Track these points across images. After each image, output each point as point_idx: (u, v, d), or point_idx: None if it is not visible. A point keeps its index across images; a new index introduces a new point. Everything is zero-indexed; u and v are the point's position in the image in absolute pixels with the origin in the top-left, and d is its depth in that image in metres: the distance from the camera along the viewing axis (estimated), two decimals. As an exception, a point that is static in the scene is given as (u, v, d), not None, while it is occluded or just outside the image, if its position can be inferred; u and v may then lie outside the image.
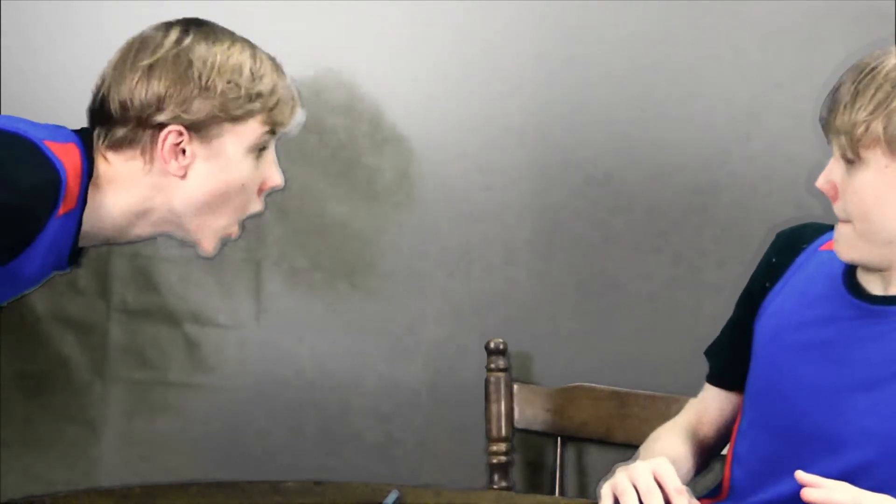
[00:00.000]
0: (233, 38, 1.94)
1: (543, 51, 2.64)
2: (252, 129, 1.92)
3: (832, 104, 1.80)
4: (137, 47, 1.91)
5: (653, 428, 2.58)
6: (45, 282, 2.02)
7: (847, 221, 1.83)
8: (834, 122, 1.79)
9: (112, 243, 1.99)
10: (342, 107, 2.70)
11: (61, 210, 1.84)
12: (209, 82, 1.88)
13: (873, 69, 1.77)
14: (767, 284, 2.00)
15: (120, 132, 1.90)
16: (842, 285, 1.90)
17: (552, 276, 2.68)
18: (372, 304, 2.74)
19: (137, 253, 2.79)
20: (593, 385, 2.63)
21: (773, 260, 2.01)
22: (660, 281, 2.64)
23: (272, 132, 1.95)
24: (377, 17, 2.67)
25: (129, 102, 1.88)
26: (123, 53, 1.92)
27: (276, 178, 1.99)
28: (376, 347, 2.75)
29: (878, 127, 1.75)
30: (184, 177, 1.91)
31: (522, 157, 2.66)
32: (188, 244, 1.98)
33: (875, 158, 1.77)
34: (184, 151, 1.90)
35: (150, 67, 1.88)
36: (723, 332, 2.13)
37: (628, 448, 2.62)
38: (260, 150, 1.95)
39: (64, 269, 1.97)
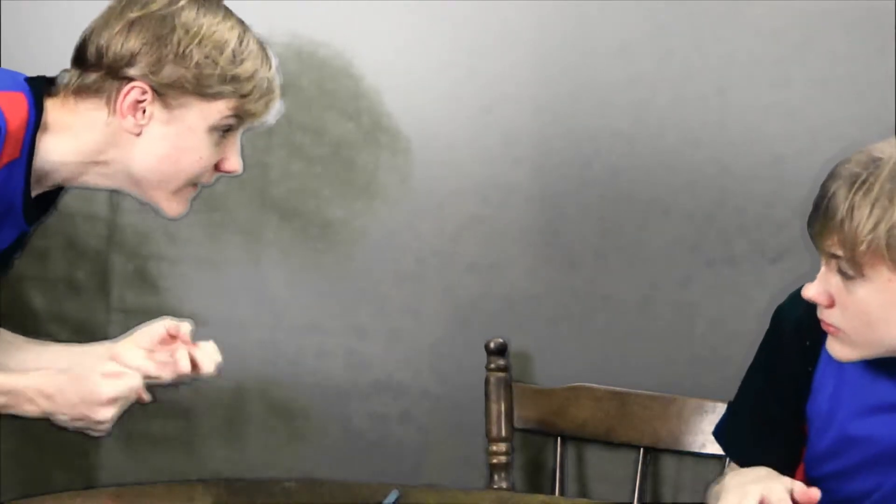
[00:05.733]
0: (227, 14, 1.92)
1: (544, 51, 2.64)
2: (218, 111, 1.90)
3: (826, 215, 1.74)
4: None
5: (653, 428, 2.59)
6: (18, 249, 2.01)
7: (839, 329, 1.80)
8: (829, 234, 1.74)
9: (64, 186, 1.97)
10: (342, 106, 2.70)
11: (3, 160, 1.83)
12: (186, 51, 1.87)
13: (865, 182, 1.72)
14: (810, 368, 1.94)
15: (90, 77, 1.89)
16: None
17: (552, 276, 2.68)
18: (371, 303, 2.74)
19: (137, 253, 2.79)
20: (593, 385, 2.63)
21: (808, 343, 1.92)
22: (660, 281, 2.64)
23: (240, 118, 1.92)
24: (379, 16, 2.67)
25: (104, 49, 1.88)
26: (118, 1, 1.91)
27: (234, 163, 1.96)
28: (376, 347, 2.75)
29: (881, 243, 1.70)
30: (138, 135, 1.89)
31: (523, 158, 2.66)
32: (152, 208, 1.97)
33: (878, 274, 1.73)
34: (143, 111, 1.89)
35: (134, 21, 1.87)
36: (752, 417, 2.04)
37: (628, 448, 2.63)
38: (224, 130, 1.92)
39: (25, 230, 1.95)
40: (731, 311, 2.61)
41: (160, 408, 2.81)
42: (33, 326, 2.82)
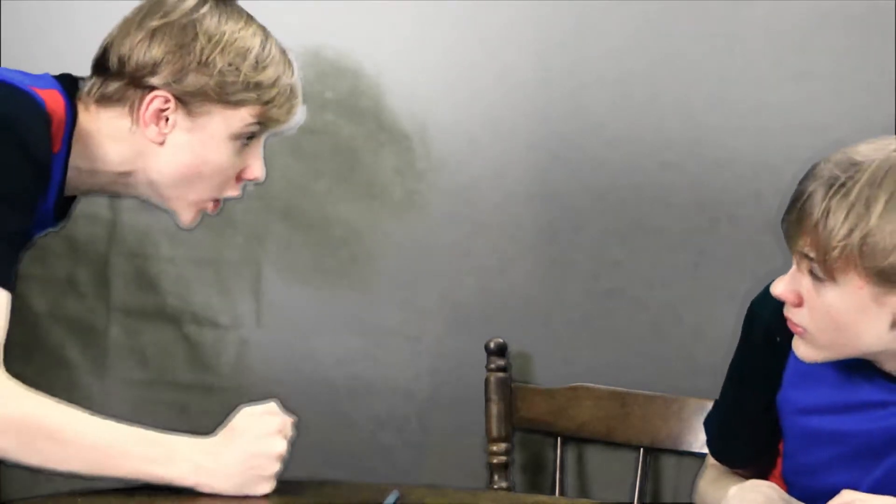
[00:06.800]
0: (249, 20, 1.91)
1: (545, 50, 2.64)
2: (241, 118, 1.89)
3: (801, 216, 1.73)
4: (151, 6, 1.90)
5: (654, 427, 2.59)
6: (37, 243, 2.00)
7: (804, 330, 1.78)
8: (803, 235, 1.73)
9: (95, 194, 1.97)
10: (343, 105, 2.70)
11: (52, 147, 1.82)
12: (209, 58, 1.86)
13: (843, 185, 1.69)
14: (781, 363, 1.93)
15: (112, 86, 1.89)
16: (871, 366, 1.83)
17: (552, 276, 2.68)
18: (372, 303, 2.74)
19: (137, 253, 2.79)
20: (593, 385, 2.63)
21: (779, 339, 1.91)
22: (660, 281, 2.64)
23: (263, 125, 1.92)
24: (380, 15, 2.66)
25: (126, 59, 1.87)
26: (138, 9, 1.91)
27: (257, 171, 1.95)
28: (376, 347, 2.75)
29: (854, 251, 1.68)
30: (161, 144, 1.89)
31: (523, 157, 2.66)
32: (170, 215, 1.97)
33: (848, 280, 1.70)
34: (167, 119, 1.88)
35: (156, 30, 1.87)
36: (728, 411, 2.05)
37: (628, 448, 2.62)
38: (247, 138, 1.92)
39: (52, 227, 1.94)
40: (731, 311, 2.61)
41: (160, 407, 2.81)
42: (33, 326, 2.82)
